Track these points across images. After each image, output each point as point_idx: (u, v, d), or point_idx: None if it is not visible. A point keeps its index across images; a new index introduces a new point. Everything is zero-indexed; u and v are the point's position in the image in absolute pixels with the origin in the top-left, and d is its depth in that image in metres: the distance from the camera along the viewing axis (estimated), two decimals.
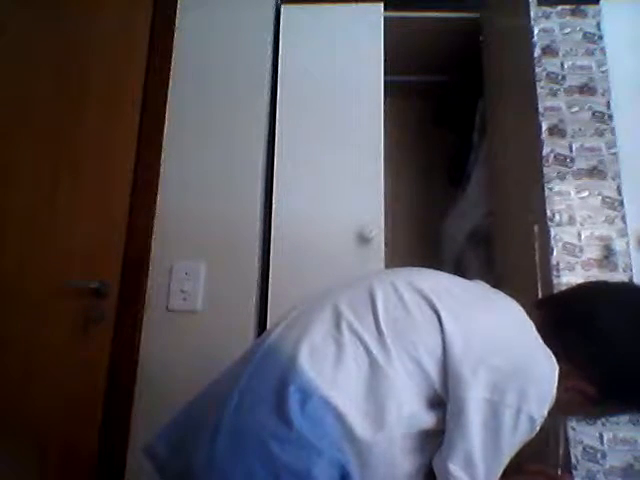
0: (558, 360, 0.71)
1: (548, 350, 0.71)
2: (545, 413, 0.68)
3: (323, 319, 0.77)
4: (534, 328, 0.74)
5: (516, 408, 0.67)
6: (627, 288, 0.98)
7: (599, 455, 1.18)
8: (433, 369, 0.70)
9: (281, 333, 0.79)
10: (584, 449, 1.18)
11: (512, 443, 0.68)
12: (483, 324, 0.73)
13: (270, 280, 1.43)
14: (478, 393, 0.67)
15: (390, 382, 0.69)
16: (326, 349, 0.72)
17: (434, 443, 0.70)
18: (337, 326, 0.74)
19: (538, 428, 0.68)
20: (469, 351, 0.70)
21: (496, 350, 0.70)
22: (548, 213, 1.24)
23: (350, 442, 0.67)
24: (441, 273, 0.88)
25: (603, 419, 1.14)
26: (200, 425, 0.73)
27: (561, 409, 0.72)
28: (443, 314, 0.73)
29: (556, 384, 0.69)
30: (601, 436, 1.17)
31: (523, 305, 0.79)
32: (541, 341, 0.73)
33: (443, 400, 0.70)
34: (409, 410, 0.69)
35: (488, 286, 0.88)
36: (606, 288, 0.86)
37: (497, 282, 1.53)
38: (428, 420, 0.70)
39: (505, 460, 0.69)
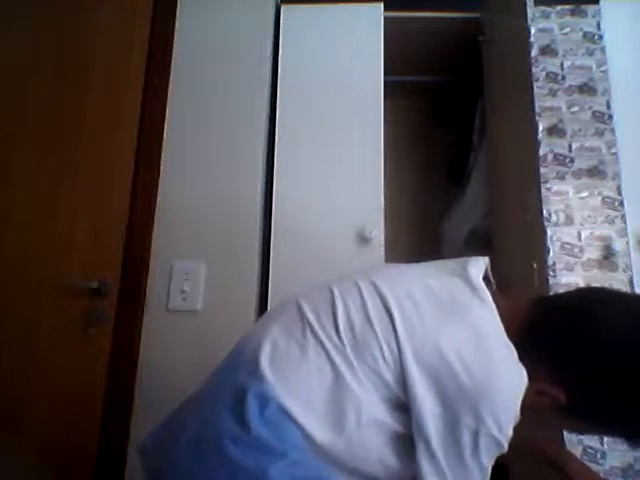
0: (536, 359, 0.68)
1: (516, 362, 0.67)
2: (510, 431, 0.65)
3: (287, 322, 0.76)
4: (503, 336, 0.69)
5: (474, 429, 0.65)
6: (629, 296, 0.94)
7: (599, 455, 1.18)
8: (392, 380, 0.69)
9: (249, 334, 0.79)
10: (584, 449, 1.18)
11: (479, 459, 0.66)
12: (441, 337, 0.69)
13: (270, 280, 1.44)
14: (433, 408, 0.66)
15: (351, 390, 0.68)
16: (289, 353, 0.72)
17: (408, 447, 0.69)
18: (302, 331, 0.73)
19: (506, 444, 0.65)
20: (424, 366, 0.68)
21: (452, 366, 0.67)
22: (544, 213, 1.24)
23: (311, 444, 0.67)
24: (413, 269, 0.83)
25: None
26: (178, 424, 0.74)
27: (530, 416, 0.67)
28: (398, 324, 0.70)
29: (520, 399, 0.65)
30: (601, 436, 1.17)
31: (517, 301, 0.77)
32: (509, 352, 0.68)
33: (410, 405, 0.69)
34: (371, 417, 0.68)
35: (470, 274, 0.77)
36: (606, 292, 0.81)
37: (497, 283, 1.53)
38: (396, 423, 0.69)
39: (478, 474, 0.66)
